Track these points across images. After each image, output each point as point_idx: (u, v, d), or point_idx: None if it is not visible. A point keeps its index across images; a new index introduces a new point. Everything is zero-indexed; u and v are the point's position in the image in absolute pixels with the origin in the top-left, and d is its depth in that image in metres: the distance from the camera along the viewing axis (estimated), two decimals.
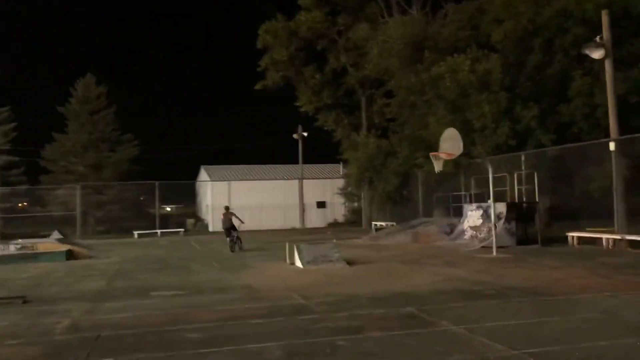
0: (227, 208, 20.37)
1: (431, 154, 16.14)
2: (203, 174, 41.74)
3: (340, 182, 38.83)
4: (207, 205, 38.94)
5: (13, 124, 37.20)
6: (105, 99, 38.40)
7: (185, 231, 33.87)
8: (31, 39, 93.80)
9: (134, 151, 38.29)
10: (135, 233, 31.38)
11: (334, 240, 15.88)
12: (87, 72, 39.00)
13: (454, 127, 17.51)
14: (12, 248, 17.59)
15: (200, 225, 38.04)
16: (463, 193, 22.92)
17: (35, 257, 17.06)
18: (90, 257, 18.19)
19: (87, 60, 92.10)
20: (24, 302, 9.29)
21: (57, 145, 37.82)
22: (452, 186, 23.90)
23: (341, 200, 39.57)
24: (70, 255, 17.45)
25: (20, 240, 19.54)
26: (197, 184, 42.32)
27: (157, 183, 33.02)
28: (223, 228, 19.69)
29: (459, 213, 21.40)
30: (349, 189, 37.93)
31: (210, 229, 36.73)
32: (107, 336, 6.61)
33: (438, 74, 23.63)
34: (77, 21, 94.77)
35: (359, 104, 37.49)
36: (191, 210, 43.43)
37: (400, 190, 28.97)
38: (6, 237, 30.90)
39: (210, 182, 38.82)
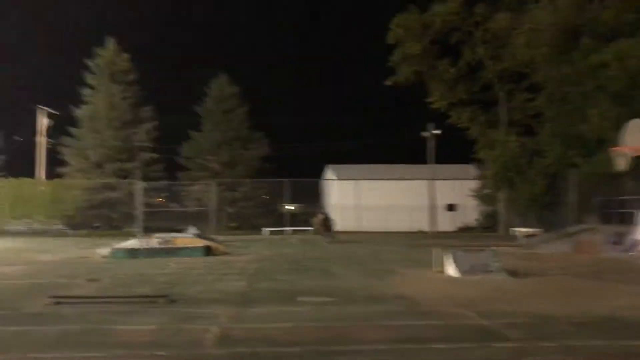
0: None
1: (614, 149, 13.78)
2: (329, 173, 41.23)
3: (472, 184, 36.38)
4: (333, 204, 38.33)
5: (154, 123, 39.14)
6: (239, 98, 39.19)
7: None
8: (171, 41, 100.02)
9: (265, 149, 38.69)
10: (266, 230, 31.41)
11: (494, 248, 14.09)
12: (220, 72, 40.05)
13: (622, 121, 14.99)
14: (155, 242, 17.78)
15: None
16: (633, 197, 19.88)
17: (175, 251, 17.07)
18: (226, 253, 17.95)
19: (221, 61, 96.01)
20: (169, 301, 8.72)
21: (193, 143, 39.23)
22: (616, 189, 20.90)
23: (473, 203, 37.07)
24: (208, 251, 17.29)
25: (161, 234, 19.82)
26: (322, 182, 41.92)
27: (286, 181, 32.86)
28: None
29: (625, 220, 18.59)
30: (484, 190, 35.38)
31: (337, 228, 36.06)
32: (265, 354, 5.61)
33: (601, 61, 20.77)
34: (210, 23, 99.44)
35: (496, 99, 34.78)
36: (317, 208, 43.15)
37: (547, 193, 26.17)
38: (146, 230, 32.53)
39: (336, 181, 38.15)
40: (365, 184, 36.43)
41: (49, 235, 32.34)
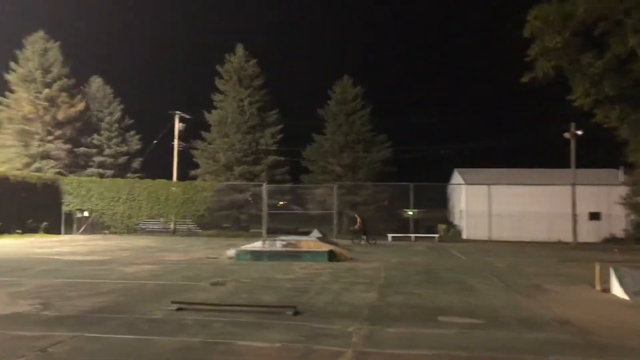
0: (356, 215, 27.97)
1: None
2: (456, 177, 39.10)
3: (620, 190, 32.50)
4: (461, 211, 36.24)
5: (280, 126, 39.64)
6: (361, 100, 38.49)
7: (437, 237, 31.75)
8: (296, 45, 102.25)
9: (387, 152, 37.55)
10: (389, 236, 30.27)
11: None
12: (345, 74, 39.58)
13: None
14: (278, 244, 17.41)
15: (454, 231, 35.51)
16: None
17: (299, 255, 16.55)
18: (350, 259, 17.10)
19: (345, 62, 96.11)
20: (295, 313, 7.94)
21: (316, 146, 39.15)
22: None
23: (619, 211, 33.12)
24: (332, 256, 16.56)
25: (284, 236, 19.50)
26: (450, 187, 39.89)
27: (411, 185, 31.48)
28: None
29: None
30: (636, 198, 31.42)
31: (464, 235, 34.01)
32: None
33: None
34: (331, 24, 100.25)
35: None
36: (441, 214, 41.17)
37: None
38: (270, 232, 32.86)
39: (464, 186, 35.99)
40: (497, 189, 33.96)
41: (180, 234, 33.82)
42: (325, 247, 17.13)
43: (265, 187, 32.41)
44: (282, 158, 39.14)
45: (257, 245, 17.92)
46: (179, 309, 8.13)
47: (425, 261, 17.36)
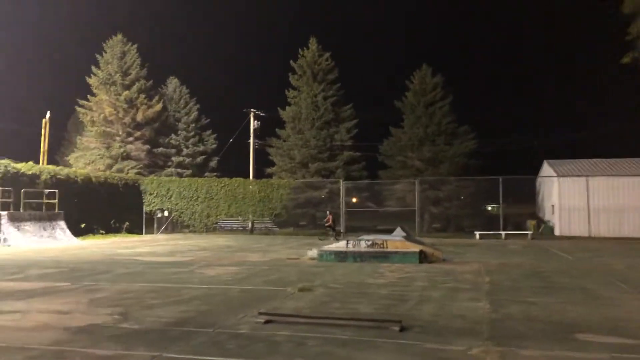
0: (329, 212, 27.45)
1: None
2: (546, 169, 36.41)
3: None
4: (552, 205, 33.65)
5: (354, 121, 38.50)
6: (441, 89, 36.64)
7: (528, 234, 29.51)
8: (368, 36, 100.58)
9: (471, 144, 35.48)
10: (477, 234, 28.40)
11: None
12: (423, 63, 37.84)
13: None
14: (363, 244, 16.26)
15: (545, 227, 33.02)
16: None
17: (386, 256, 15.34)
18: (443, 260, 15.70)
19: (423, 51, 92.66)
20: (401, 329, 6.75)
21: (393, 140, 37.69)
22: None
23: None
24: (422, 257, 15.22)
25: (367, 235, 18.31)
26: (538, 181, 37.22)
27: (500, 179, 29.38)
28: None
29: None
30: None
31: (557, 232, 31.49)
32: None
33: None
34: (406, 11, 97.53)
35: None
36: (526, 210, 38.55)
37: None
38: (348, 230, 31.79)
39: (557, 179, 33.36)
40: (595, 181, 31.21)
41: (257, 232, 33.43)
42: (415, 247, 15.80)
43: (342, 184, 31.35)
44: (358, 154, 37.96)
45: (340, 245, 16.84)
46: (267, 322, 7.15)
47: (528, 262, 15.64)
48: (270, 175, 38.02)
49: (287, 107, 39.19)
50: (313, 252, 16.65)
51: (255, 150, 38.34)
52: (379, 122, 42.59)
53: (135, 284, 11.01)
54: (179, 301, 8.94)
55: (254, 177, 37.08)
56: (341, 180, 32.03)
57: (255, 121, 38.24)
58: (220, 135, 45.26)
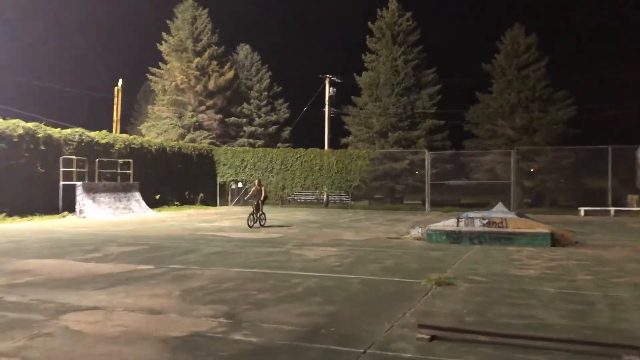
0: (259, 182, 18.93)
1: None
2: None
3: None
4: None
5: (438, 87, 35.65)
6: (536, 50, 33.13)
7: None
8: None
9: (570, 111, 31.97)
10: (581, 210, 25.38)
11: None
12: (515, 22, 34.33)
13: None
14: (477, 223, 13.95)
15: None
16: None
17: (510, 238, 12.99)
18: (576, 242, 13.19)
19: (514, 9, 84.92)
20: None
21: (481, 107, 34.65)
22: None
23: None
24: (554, 239, 12.78)
25: (477, 212, 15.93)
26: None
27: (609, 148, 26.04)
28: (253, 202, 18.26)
29: None
30: None
31: None
32: None
33: None
34: None
35: None
36: (622, 183, 34.69)
37: None
38: (435, 205, 29.42)
39: None
40: None
41: (332, 205, 31.60)
42: (543, 228, 13.35)
43: (427, 155, 28.84)
44: (442, 122, 35.15)
45: (449, 224, 14.58)
46: (432, 338, 5.11)
47: None
48: (345, 146, 35.89)
49: (363, 73, 36.72)
50: (417, 231, 14.53)
51: (330, 119, 36.28)
52: (464, 88, 39.30)
53: (230, 268, 9.25)
54: (293, 297, 7.05)
55: (328, 147, 35.12)
56: (426, 151, 29.49)
57: (331, 88, 36.07)
58: (293, 104, 43.53)
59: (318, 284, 7.91)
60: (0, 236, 14.29)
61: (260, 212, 17.94)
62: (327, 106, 35.79)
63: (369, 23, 36.58)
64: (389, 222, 20.21)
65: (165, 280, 8.13)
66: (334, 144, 36.06)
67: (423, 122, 34.66)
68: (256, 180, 19.67)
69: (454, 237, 13.43)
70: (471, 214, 14.87)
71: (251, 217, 17.53)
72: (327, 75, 36.06)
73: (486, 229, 13.64)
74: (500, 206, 19.17)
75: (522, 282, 8.13)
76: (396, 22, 35.82)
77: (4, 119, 20.69)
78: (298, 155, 31.84)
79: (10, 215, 19.24)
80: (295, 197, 32.84)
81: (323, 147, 34.94)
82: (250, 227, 17.13)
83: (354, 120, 36.32)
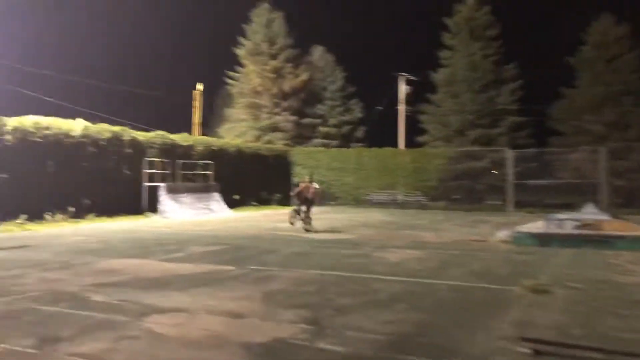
0: (310, 178, 16.63)
1: None
2: None
3: None
4: None
5: (519, 82, 34.15)
6: (629, 40, 30.97)
7: None
8: None
9: None
10: None
11: None
12: (603, 11, 32.26)
13: None
14: (569, 225, 13.05)
15: None
16: None
17: (607, 242, 12.03)
18: None
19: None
20: None
21: (566, 102, 32.81)
22: None
23: None
24: None
25: (567, 214, 14.95)
26: None
27: None
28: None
29: None
30: None
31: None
32: None
33: None
34: None
35: None
36: None
37: None
38: (517, 206, 28.13)
39: None
40: None
41: (408, 206, 30.93)
42: None
43: (510, 153, 27.60)
44: (524, 118, 33.58)
45: (538, 226, 13.77)
46: (536, 353, 4.64)
47: None
48: (421, 145, 35.09)
49: (439, 70, 35.78)
50: (503, 233, 13.80)
51: (406, 117, 35.59)
52: (547, 82, 37.40)
53: (310, 270, 9.07)
54: (377, 302, 6.74)
55: (404, 146, 34.46)
56: (509, 149, 28.24)
57: (406, 86, 35.38)
58: (366, 104, 43.15)
59: (402, 289, 7.55)
60: (90, 235, 14.89)
61: (306, 213, 15.70)
62: (402, 104, 35.13)
63: (445, 18, 35.62)
64: (470, 224, 19.44)
65: (246, 282, 8.05)
66: (409, 143, 35.36)
67: (504, 119, 33.29)
68: (307, 176, 17.20)
69: (544, 240, 12.62)
70: (562, 216, 14.00)
71: (293, 213, 15.81)
72: (402, 73, 35.39)
73: (579, 231, 12.74)
74: (591, 207, 18.00)
75: (627, 291, 7.41)
76: (473, 17, 34.65)
77: (93, 123, 21.67)
78: (373, 155, 31.43)
79: (98, 215, 20.10)
80: (370, 198, 32.43)
81: (397, 147, 34.32)
82: (291, 224, 15.77)
83: (430, 119, 35.46)
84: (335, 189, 32.14)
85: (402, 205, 31.38)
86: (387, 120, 39.38)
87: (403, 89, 35.33)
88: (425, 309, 6.40)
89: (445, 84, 35.19)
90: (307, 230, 15.47)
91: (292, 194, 16.91)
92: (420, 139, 35.84)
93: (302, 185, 16.21)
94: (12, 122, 18.30)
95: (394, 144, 34.87)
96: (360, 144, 40.30)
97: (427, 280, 8.27)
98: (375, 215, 23.86)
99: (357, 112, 42.76)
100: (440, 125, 34.73)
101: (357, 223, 19.47)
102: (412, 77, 35.70)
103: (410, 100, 36.01)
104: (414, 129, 36.62)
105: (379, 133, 41.81)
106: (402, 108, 35.33)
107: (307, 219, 15.71)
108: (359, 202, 31.65)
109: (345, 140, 41.24)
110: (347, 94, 43.17)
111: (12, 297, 6.94)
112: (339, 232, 16.22)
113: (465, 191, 34.04)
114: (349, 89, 43.27)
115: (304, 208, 15.76)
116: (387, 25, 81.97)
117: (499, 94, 33.86)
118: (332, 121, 41.78)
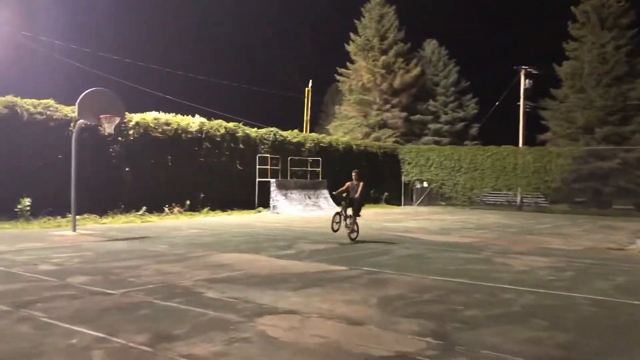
0: (357, 175, 13.17)
1: None
2: None
3: None
4: None
5: None
6: None
7: None
8: None
9: None
10: None
11: None
12: None
13: None
14: None
15: None
16: None
17: None
18: None
19: None
20: None
21: None
22: None
23: None
24: None
25: None
26: None
27: None
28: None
29: None
30: None
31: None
32: None
33: None
34: None
35: None
36: None
37: None
38: None
39: None
40: None
41: (526, 209, 29.00)
42: None
43: None
44: None
45: None
46: None
47: None
48: (542, 143, 32.84)
49: (564, 62, 33.23)
50: None
51: (526, 114, 33.40)
52: None
53: (428, 275, 8.39)
54: (511, 317, 5.95)
55: (523, 144, 32.34)
56: None
57: (526, 80, 33.19)
58: (481, 99, 41.17)
59: (537, 302, 6.68)
60: (204, 229, 15.20)
61: (352, 218, 12.79)
62: (522, 100, 33.01)
63: (572, 7, 32.98)
64: (601, 230, 17.67)
65: (360, 285, 7.56)
66: (529, 141, 33.18)
67: (638, 116, 30.19)
68: (353, 173, 13.40)
69: None
70: None
71: (337, 217, 12.85)
72: (522, 67, 33.24)
73: None
74: None
75: None
76: (605, 4, 31.74)
77: (209, 119, 22.30)
78: (489, 154, 29.82)
79: (212, 209, 20.64)
80: (484, 199, 30.83)
81: (517, 145, 32.29)
82: (334, 231, 12.74)
83: (553, 115, 33.08)
84: (446, 189, 30.92)
85: (520, 208, 29.53)
86: (503, 117, 37.30)
87: (524, 83, 33.14)
88: (568, 328, 5.54)
89: (570, 77, 32.67)
90: (353, 240, 12.61)
91: (334, 193, 14.08)
92: (542, 136, 33.54)
93: (349, 183, 13.24)
94: (136, 117, 19.25)
95: (510, 142, 32.84)
96: (475, 142, 38.53)
97: (564, 292, 7.30)
98: (490, 217, 22.53)
99: (471, 108, 40.93)
100: (564, 121, 32.28)
101: (471, 225, 18.40)
102: (533, 71, 33.39)
103: (530, 95, 33.74)
104: (534, 125, 34.34)
105: (496, 131, 39.70)
106: (522, 103, 33.16)
107: (352, 225, 12.77)
108: (471, 202, 30.21)
109: (459, 138, 39.65)
110: (461, 89, 41.52)
111: (128, 288, 6.96)
112: (453, 234, 15.31)
113: (590, 194, 31.40)
114: (463, 83, 41.56)
115: (349, 212, 12.85)
116: (505, 15, 77.97)
117: (632, 87, 30.79)
118: (444, 118, 40.37)
